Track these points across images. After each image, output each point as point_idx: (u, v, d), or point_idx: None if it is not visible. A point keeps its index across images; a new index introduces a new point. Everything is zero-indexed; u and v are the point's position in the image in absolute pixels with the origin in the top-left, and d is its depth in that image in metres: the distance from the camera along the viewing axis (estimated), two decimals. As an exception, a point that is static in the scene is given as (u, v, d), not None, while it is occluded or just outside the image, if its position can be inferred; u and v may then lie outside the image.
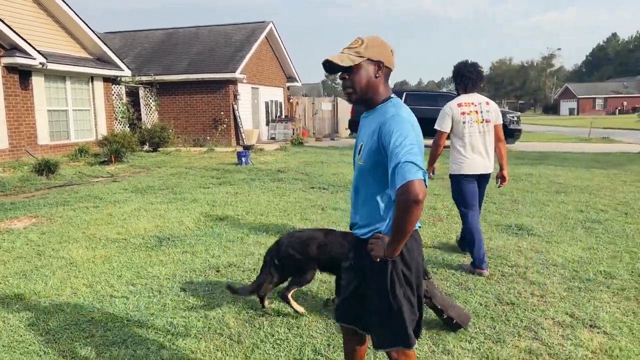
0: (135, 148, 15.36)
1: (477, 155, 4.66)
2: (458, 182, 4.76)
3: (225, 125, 19.10)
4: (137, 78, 18.81)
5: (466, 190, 4.73)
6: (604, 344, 3.25)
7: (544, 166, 12.33)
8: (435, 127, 4.75)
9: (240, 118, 19.34)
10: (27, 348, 3.31)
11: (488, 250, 5.31)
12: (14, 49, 12.46)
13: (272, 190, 9.11)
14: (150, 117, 19.23)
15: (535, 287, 4.28)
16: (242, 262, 5.03)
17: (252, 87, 21.25)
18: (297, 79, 25.87)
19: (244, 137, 19.14)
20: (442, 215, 7.07)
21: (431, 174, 4.96)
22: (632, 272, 4.61)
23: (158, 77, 19.11)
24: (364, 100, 2.20)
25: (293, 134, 22.04)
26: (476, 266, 4.62)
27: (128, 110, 17.78)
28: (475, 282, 4.41)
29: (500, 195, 8.39)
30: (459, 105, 4.67)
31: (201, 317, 3.76)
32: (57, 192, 9.21)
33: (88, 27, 15.44)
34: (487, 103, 4.73)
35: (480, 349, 3.20)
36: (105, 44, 16.22)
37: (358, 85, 2.14)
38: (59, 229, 6.44)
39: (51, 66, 13.60)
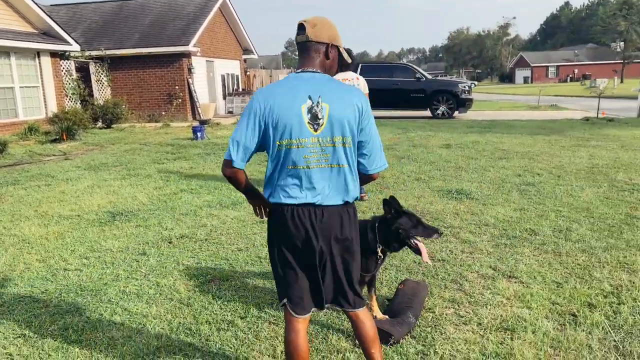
0: (88, 125, 15.10)
1: None
2: None
3: (180, 100, 18.90)
4: (87, 53, 18.30)
5: None
6: (518, 291, 3.65)
7: (491, 134, 12.86)
8: None
9: (195, 92, 19.16)
10: (-18, 320, 3.45)
11: (427, 213, 5.69)
12: (-49, 24, 11.95)
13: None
14: (102, 93, 18.80)
15: (467, 245, 4.66)
16: (195, 233, 5.23)
17: (207, 60, 20.99)
18: (254, 51, 25.64)
19: (200, 111, 19.00)
20: (390, 183, 7.40)
21: None
22: (554, 228, 5.05)
23: (109, 52, 18.63)
24: None
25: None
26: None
27: (79, 87, 17.33)
28: (412, 242, 4.75)
29: (446, 163, 8.81)
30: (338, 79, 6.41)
31: (153, 284, 3.96)
32: (6, 172, 9.09)
33: (35, 3, 14.87)
34: (358, 78, 6.47)
35: (409, 301, 3.53)
36: (51, 17, 15.66)
37: None
38: (9, 208, 6.45)
39: (-7, 42, 13.12)
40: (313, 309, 2.31)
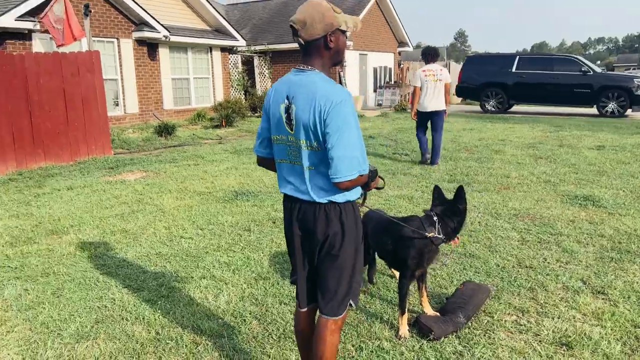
0: (246, 113, 16.63)
1: (429, 99, 8.23)
2: (419, 115, 8.44)
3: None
4: (252, 47, 20.05)
5: (421, 120, 8.48)
6: (600, 308, 3.32)
7: (662, 137, 11.19)
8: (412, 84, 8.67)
9: (345, 85, 19.79)
10: (106, 269, 4.23)
11: (538, 217, 5.33)
12: (142, 24, 14.12)
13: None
14: (263, 84, 20.47)
15: (566, 254, 4.31)
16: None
17: (360, 54, 21.50)
18: (409, 44, 25.52)
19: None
20: (512, 183, 7.00)
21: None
22: (684, 247, 4.39)
23: (271, 46, 20.16)
24: None
25: (400, 100, 22.02)
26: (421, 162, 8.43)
27: (243, 78, 19.14)
28: (504, 246, 4.54)
29: (588, 166, 7.99)
30: (424, 71, 8.28)
31: (244, 257, 4.43)
32: (169, 151, 10.56)
33: (207, 1, 16.80)
34: (441, 70, 8.22)
35: (472, 302, 3.45)
36: (222, 16, 17.52)
37: None
38: (160, 182, 7.56)
39: (174, 38, 15.15)
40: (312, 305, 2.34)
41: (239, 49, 19.09)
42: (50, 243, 4.93)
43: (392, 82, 24.05)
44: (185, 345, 3.01)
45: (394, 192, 6.64)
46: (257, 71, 20.37)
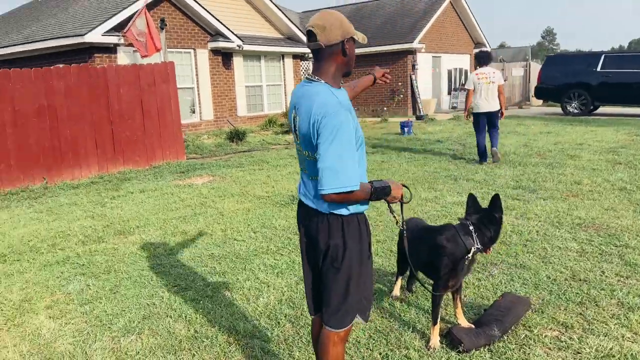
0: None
1: (483, 101, 8.64)
2: (475, 116, 8.84)
3: (402, 96, 19.52)
4: (324, 53, 20.30)
5: (477, 121, 8.82)
6: (655, 328, 3.07)
7: None
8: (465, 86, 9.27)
9: (417, 88, 19.52)
10: (161, 268, 4.50)
11: (604, 228, 5.00)
12: (217, 34, 14.77)
13: (417, 160, 9.41)
14: (335, 89, 20.67)
15: (628, 268, 4.01)
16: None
17: (433, 56, 21.11)
18: (487, 45, 24.67)
19: (420, 107, 19.31)
20: (583, 190, 6.59)
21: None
22: None
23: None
24: None
25: (476, 103, 21.34)
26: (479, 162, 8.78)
27: (314, 84, 19.41)
28: (560, 257, 4.31)
29: (672, 172, 7.35)
30: (477, 74, 8.70)
31: (289, 261, 4.53)
32: (238, 156, 10.96)
33: (279, 9, 17.26)
34: (494, 72, 8.63)
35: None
36: (294, 24, 17.92)
37: None
38: (224, 186, 7.88)
39: (247, 47, 15.71)
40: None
41: (310, 55, 19.40)
42: (117, 242, 5.31)
43: (468, 85, 23.35)
44: (219, 344, 3.14)
45: (452, 198, 6.48)
46: (328, 77, 20.59)
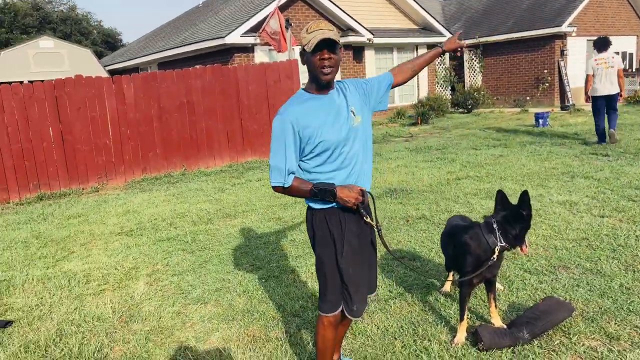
0: (447, 110, 16.49)
1: (602, 85, 9.13)
2: (594, 100, 9.32)
3: (547, 85, 18.05)
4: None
5: (596, 104, 9.32)
6: None
7: None
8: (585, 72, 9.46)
9: (566, 75, 17.89)
10: (247, 249, 5.03)
11: None
12: (348, 29, 15.22)
13: (540, 154, 8.81)
14: (473, 79, 19.89)
15: None
16: (434, 216, 5.65)
17: (588, 40, 19.09)
18: (659, 23, 21.53)
19: (570, 96, 17.68)
20: None
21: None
22: None
23: (482, 39, 19.42)
24: (332, 80, 2.41)
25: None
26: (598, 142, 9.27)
27: (450, 74, 18.94)
28: (612, 267, 3.89)
29: None
30: (595, 60, 9.20)
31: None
32: (357, 149, 11.27)
33: (415, 1, 17.11)
34: (613, 57, 9.04)
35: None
36: (428, 13, 17.63)
37: (337, 66, 2.36)
38: (331, 177, 8.27)
39: (378, 40, 15.92)
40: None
41: (447, 45, 18.89)
42: (221, 224, 6.01)
43: (634, 69, 20.71)
44: (265, 319, 3.52)
45: (559, 196, 6.05)
46: (466, 65, 19.90)
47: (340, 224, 2.43)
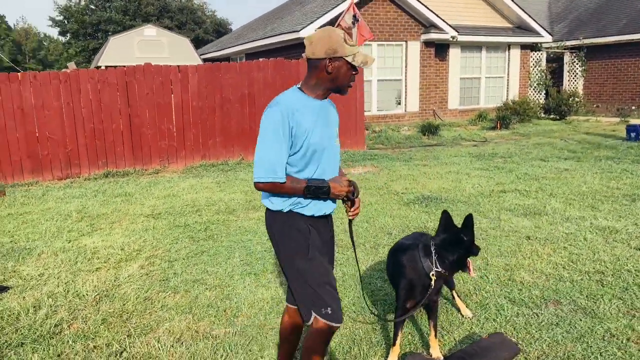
0: (534, 115, 15.37)
1: None
2: None
3: (658, 93, 16.14)
4: (563, 43, 18.12)
5: None
6: None
7: None
8: None
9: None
10: (249, 242, 5.08)
11: None
12: (431, 26, 14.69)
13: (613, 172, 7.91)
14: (573, 84, 18.31)
15: None
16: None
17: None
18: None
19: (684, 107, 15.67)
20: None
21: None
22: None
23: (587, 41, 17.78)
24: None
25: None
26: None
27: (545, 77, 17.60)
28: (610, 309, 3.36)
29: None
30: None
31: (358, 257, 4.60)
32: (417, 150, 10.91)
33: (509, -3, 16.09)
34: None
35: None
36: (524, 11, 16.48)
37: None
38: (373, 177, 8.09)
39: (465, 38, 15.20)
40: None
41: (544, 45, 17.58)
42: (240, 216, 6.12)
43: None
44: (219, 316, 3.54)
45: (605, 222, 5.40)
46: (566, 69, 18.37)
47: (311, 228, 2.39)
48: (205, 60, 20.40)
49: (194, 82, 9.68)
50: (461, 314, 3.45)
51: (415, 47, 14.84)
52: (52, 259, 4.78)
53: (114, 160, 9.42)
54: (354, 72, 2.34)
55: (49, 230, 5.72)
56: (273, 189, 2.27)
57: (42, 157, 8.97)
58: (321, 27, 13.08)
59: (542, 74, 17.59)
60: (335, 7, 13.16)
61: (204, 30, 43.11)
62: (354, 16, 11.16)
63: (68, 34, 43.52)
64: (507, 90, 17.01)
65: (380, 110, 14.87)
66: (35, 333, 3.34)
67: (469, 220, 2.64)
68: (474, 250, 2.71)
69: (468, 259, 2.74)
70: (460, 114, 16.12)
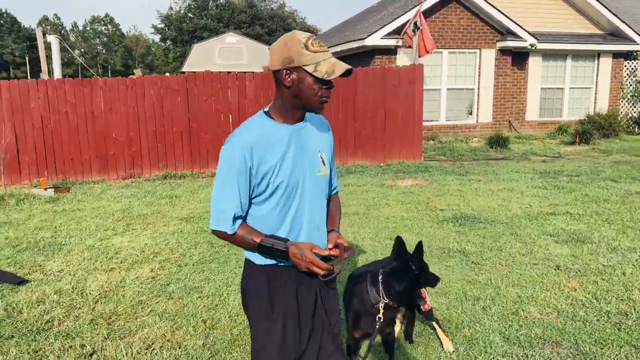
0: (622, 130, 14.05)
1: None
2: None
3: None
4: (666, 51, 16.40)
5: None
6: None
7: None
8: None
9: None
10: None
11: None
12: (508, 33, 13.93)
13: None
14: (676, 95, 16.49)
15: None
16: (472, 254, 4.96)
17: None
18: None
19: None
20: None
21: None
22: None
23: (695, 48, 15.95)
24: None
25: None
26: None
27: (641, 88, 16.03)
28: (619, 358, 2.89)
29: None
30: None
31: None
32: (478, 164, 10.35)
33: (600, 2, 14.85)
34: None
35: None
36: (617, 16, 15.11)
37: None
38: (415, 191, 7.79)
39: (545, 46, 14.25)
40: None
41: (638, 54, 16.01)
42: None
43: None
44: (196, 326, 3.55)
45: (604, 259, 4.79)
46: (668, 79, 16.59)
47: (287, 289, 1.98)
48: (282, 67, 20.85)
49: (250, 88, 9.91)
50: (443, 347, 3.20)
51: (490, 55, 14.14)
52: (78, 257, 5.08)
53: (173, 163, 9.87)
54: (323, 86, 1.86)
55: (88, 228, 6.10)
56: (226, 239, 1.94)
57: (108, 157, 9.61)
58: (389, 34, 12.87)
59: (637, 85, 16.03)
60: (403, 14, 12.88)
61: (292, 37, 44.21)
62: (415, 24, 10.87)
63: (168, 41, 46.65)
64: (595, 102, 15.69)
65: (449, 120, 14.33)
66: (27, 328, 3.54)
67: (419, 247, 2.44)
68: (425, 280, 2.49)
69: (423, 289, 2.52)
70: (538, 126, 15.12)
